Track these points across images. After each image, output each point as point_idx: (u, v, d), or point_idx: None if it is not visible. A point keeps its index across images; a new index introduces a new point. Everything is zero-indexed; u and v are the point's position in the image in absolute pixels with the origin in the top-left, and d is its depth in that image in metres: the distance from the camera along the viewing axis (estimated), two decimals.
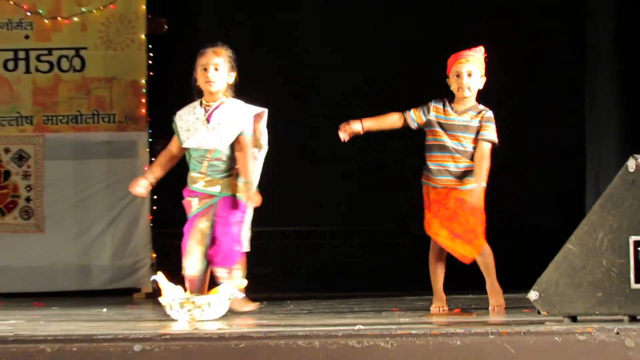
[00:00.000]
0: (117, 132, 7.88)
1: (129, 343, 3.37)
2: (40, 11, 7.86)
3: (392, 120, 5.07)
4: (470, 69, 4.96)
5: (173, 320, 4.42)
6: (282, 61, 7.24)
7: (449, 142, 4.94)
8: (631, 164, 3.53)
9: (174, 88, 7.29)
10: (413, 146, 5.17)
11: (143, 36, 7.94)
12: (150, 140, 7.87)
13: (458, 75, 4.95)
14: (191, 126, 5.14)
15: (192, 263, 5.13)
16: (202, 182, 5.09)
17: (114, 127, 7.92)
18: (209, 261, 5.14)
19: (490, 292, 4.95)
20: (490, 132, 4.92)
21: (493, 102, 5.13)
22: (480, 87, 5.00)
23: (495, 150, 5.02)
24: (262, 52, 5.31)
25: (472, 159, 4.90)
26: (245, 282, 4.89)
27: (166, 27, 7.96)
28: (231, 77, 5.15)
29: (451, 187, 4.91)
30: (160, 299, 4.56)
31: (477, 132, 4.92)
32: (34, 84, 7.90)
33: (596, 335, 3.25)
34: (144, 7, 7.94)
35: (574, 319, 3.57)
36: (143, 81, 7.93)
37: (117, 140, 7.86)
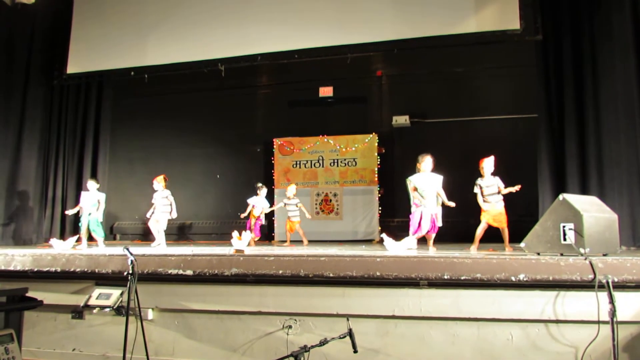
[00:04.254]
0: (366, 186, 7.80)
1: (372, 258, 3.49)
2: (341, 146, 7.97)
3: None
4: (489, 166, 4.80)
5: (388, 250, 4.50)
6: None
7: (478, 192, 4.79)
8: (560, 197, 3.44)
9: (386, 171, 7.34)
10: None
11: (376, 154, 7.78)
12: (378, 188, 7.66)
13: (485, 168, 4.81)
14: (421, 180, 4.97)
15: (423, 229, 4.96)
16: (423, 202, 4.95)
17: (365, 184, 7.84)
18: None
19: (505, 245, 4.75)
20: (500, 184, 4.75)
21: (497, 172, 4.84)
22: (492, 170, 4.79)
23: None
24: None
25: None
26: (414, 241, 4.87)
27: (383, 150, 7.92)
28: (432, 165, 4.99)
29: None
30: (383, 243, 4.69)
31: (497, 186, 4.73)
32: (339, 170, 8.00)
33: (548, 260, 3.18)
34: (377, 145, 7.78)
35: (538, 254, 3.50)
36: (376, 169, 7.82)
37: (366, 190, 7.79)
